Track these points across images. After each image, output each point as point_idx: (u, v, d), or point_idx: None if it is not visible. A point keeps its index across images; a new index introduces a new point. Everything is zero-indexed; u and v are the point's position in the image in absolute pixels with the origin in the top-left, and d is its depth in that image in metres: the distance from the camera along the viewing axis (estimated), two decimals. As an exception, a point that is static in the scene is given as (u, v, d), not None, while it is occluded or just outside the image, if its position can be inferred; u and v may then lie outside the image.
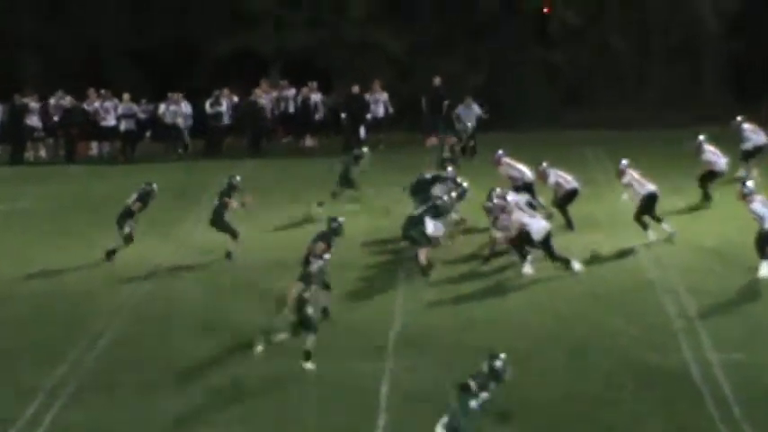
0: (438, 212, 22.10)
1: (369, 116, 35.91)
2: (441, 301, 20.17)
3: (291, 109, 36.94)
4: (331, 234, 19.89)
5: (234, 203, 23.36)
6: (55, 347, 18.32)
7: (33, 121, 36.09)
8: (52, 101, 36.43)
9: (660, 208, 24.59)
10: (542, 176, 24.37)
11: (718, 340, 17.67)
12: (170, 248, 23.82)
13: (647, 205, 23.08)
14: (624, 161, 23.62)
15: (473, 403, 13.48)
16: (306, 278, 17.74)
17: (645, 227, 23.10)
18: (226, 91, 36.39)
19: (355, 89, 36.02)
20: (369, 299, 20.51)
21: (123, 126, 36.15)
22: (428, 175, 24.73)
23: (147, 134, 37.01)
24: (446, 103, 35.90)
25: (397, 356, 17.56)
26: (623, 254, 22.47)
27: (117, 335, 18.98)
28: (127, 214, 23.40)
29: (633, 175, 23.43)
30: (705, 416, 15.26)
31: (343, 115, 35.96)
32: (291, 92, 37.00)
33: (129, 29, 41.51)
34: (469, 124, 33.11)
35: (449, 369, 16.89)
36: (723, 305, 19.36)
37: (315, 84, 36.89)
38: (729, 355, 17.10)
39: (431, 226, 21.77)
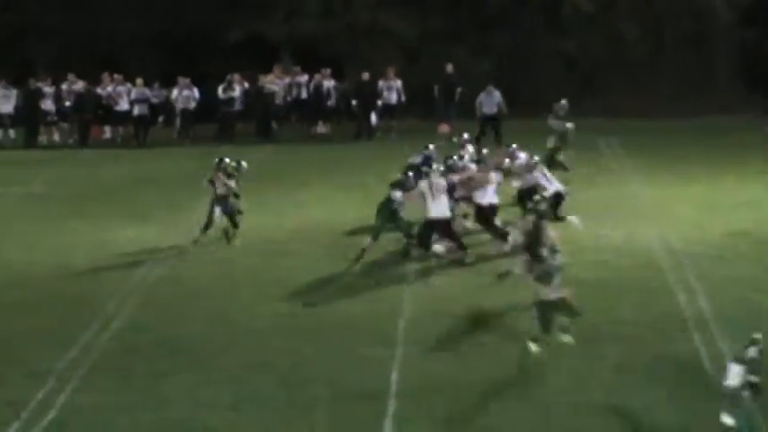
0: (401, 185, 22.24)
1: (379, 103, 35.95)
2: (451, 290, 20.17)
3: (304, 95, 37.01)
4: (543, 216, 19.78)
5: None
6: (66, 330, 18.36)
7: (47, 105, 36.28)
8: (64, 86, 36.52)
9: (672, 197, 24.60)
10: (510, 156, 24.26)
11: (730, 329, 17.64)
12: (181, 233, 23.84)
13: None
14: (514, 145, 23.69)
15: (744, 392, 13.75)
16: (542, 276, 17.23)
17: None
18: (237, 76, 36.43)
19: (365, 76, 36.03)
20: (377, 287, 20.51)
21: (136, 111, 36.26)
22: (417, 160, 24.69)
23: (160, 119, 37.11)
24: (459, 90, 35.92)
25: (407, 345, 17.57)
26: (634, 242, 22.44)
27: (128, 318, 19.03)
28: (216, 201, 22.95)
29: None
30: (716, 405, 15.24)
31: (353, 102, 36.00)
32: (304, 78, 37.08)
33: (144, 14, 41.51)
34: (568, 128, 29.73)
35: (460, 358, 16.93)
36: (734, 294, 19.32)
37: (328, 70, 36.93)
38: (741, 345, 17.04)
39: (398, 194, 21.89)
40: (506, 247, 22.08)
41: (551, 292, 16.86)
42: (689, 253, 21.62)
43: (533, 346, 16.91)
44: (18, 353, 17.57)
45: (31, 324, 18.84)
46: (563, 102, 29.65)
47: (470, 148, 25.23)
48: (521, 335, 17.43)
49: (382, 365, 16.67)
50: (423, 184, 21.81)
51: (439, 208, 21.58)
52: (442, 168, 22.61)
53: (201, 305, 19.67)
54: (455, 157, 23.57)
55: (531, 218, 19.13)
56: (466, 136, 25.64)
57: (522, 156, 24.10)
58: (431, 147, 25.11)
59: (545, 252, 17.75)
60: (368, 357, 17.06)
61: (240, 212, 23.40)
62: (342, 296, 19.88)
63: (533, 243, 18.68)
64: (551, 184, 22.95)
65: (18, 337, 18.25)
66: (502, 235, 22.26)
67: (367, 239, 21.85)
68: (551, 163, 26.82)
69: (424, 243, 21.77)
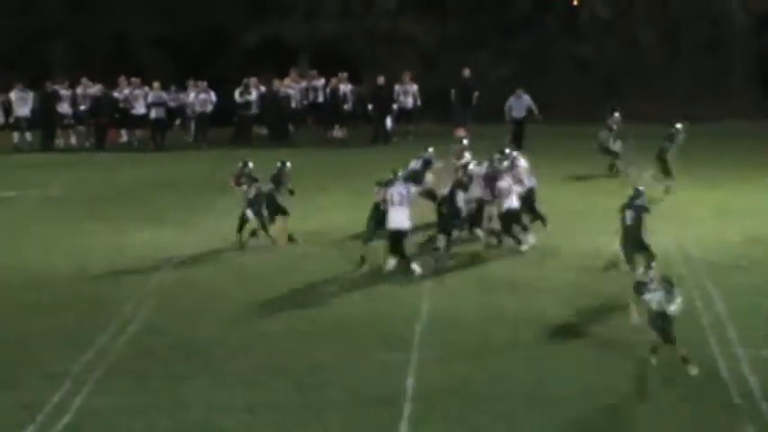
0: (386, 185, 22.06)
1: (395, 107, 35.95)
2: (468, 293, 20.18)
3: (320, 99, 37.01)
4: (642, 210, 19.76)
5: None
6: (83, 333, 18.41)
7: (64, 108, 36.27)
8: (79, 90, 36.53)
9: (689, 202, 24.50)
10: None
11: (746, 336, 17.62)
12: (198, 237, 23.89)
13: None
14: (515, 153, 23.77)
15: None
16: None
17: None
18: (254, 80, 36.45)
19: (381, 80, 36.05)
20: (394, 290, 20.53)
21: (153, 114, 36.27)
22: (417, 165, 24.64)
23: (177, 122, 37.14)
24: (476, 94, 35.93)
25: (423, 348, 17.57)
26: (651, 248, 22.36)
27: (145, 321, 19.07)
28: (248, 203, 23.14)
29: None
30: (731, 411, 15.23)
31: (370, 106, 36.01)
32: (321, 82, 37.07)
33: (159, 16, 41.59)
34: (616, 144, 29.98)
35: (476, 361, 16.92)
36: (751, 301, 19.30)
37: (345, 74, 36.91)
38: (757, 350, 17.06)
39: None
40: (523, 248, 22.12)
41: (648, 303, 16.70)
42: (705, 259, 21.58)
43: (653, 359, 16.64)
44: (34, 355, 17.62)
45: (48, 326, 18.89)
46: (616, 115, 29.55)
47: (467, 155, 25.06)
48: (534, 338, 17.42)
49: (398, 369, 16.68)
50: (385, 192, 21.52)
51: (395, 217, 21.20)
52: (402, 174, 22.34)
53: (217, 308, 19.71)
54: (471, 167, 23.40)
55: (628, 213, 19.69)
56: (465, 143, 25.53)
57: (523, 162, 23.97)
58: (430, 150, 25.03)
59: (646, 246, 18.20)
60: (384, 361, 17.07)
61: (286, 213, 23.53)
62: (358, 299, 19.89)
63: (632, 237, 19.28)
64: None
65: (34, 339, 18.30)
66: (513, 236, 22.34)
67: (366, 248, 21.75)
68: (663, 166, 26.74)
69: (402, 258, 21.36)
